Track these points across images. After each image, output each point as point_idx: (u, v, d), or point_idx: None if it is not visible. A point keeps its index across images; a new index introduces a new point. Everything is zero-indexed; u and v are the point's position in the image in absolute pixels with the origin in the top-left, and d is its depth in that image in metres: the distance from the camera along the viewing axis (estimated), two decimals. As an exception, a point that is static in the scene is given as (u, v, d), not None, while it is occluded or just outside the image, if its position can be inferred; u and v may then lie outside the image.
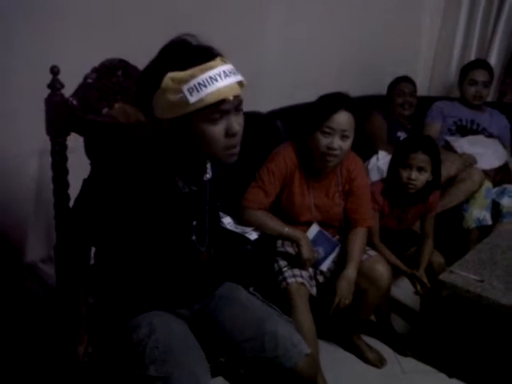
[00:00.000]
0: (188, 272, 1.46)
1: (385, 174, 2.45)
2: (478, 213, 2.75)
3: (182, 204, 1.38)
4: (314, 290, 2.03)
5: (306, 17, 2.90)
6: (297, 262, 2.02)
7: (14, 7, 1.89)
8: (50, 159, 1.72)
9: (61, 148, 1.71)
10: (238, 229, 1.93)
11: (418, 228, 2.45)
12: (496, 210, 2.83)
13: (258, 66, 2.74)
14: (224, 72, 1.19)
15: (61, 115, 1.68)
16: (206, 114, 1.20)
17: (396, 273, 2.28)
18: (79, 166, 1.61)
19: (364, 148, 2.72)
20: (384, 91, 3.27)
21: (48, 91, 1.66)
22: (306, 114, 2.07)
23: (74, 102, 1.69)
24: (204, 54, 1.20)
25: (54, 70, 1.65)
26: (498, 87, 3.72)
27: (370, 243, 2.21)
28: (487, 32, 3.65)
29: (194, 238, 1.43)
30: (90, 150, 1.72)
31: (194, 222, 1.43)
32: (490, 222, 2.77)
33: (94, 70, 1.73)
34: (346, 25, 3.11)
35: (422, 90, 3.52)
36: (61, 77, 1.66)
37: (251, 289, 1.63)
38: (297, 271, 2.01)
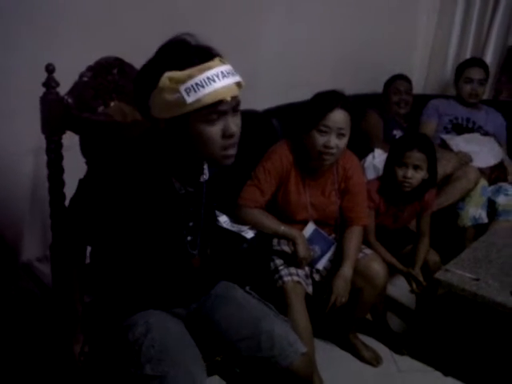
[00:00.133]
0: (181, 273, 1.46)
1: (381, 173, 2.45)
2: (474, 211, 2.76)
3: (178, 205, 1.37)
4: (310, 289, 2.03)
5: (303, 16, 2.90)
6: (293, 260, 2.03)
7: (13, 7, 1.88)
8: (45, 158, 1.72)
9: (56, 146, 1.71)
10: (234, 227, 1.92)
11: (414, 226, 2.45)
12: (492, 208, 2.84)
13: (254, 65, 2.73)
14: (222, 72, 1.18)
15: (56, 113, 1.67)
16: (203, 115, 1.19)
17: (392, 271, 2.28)
18: (75, 165, 1.61)
19: (360, 146, 2.72)
20: (380, 89, 3.26)
21: (43, 90, 1.65)
22: (302, 112, 2.07)
23: (70, 101, 1.68)
24: (203, 54, 1.20)
25: (49, 69, 1.64)
26: (493, 85, 3.71)
27: (365, 241, 2.21)
28: (483, 30, 3.65)
29: (189, 238, 1.43)
30: (85, 149, 1.72)
31: (191, 223, 1.43)
32: (485, 220, 2.78)
33: (90, 68, 1.72)
34: (341, 23, 3.11)
35: (417, 88, 3.52)
36: (57, 75, 1.65)
37: (247, 288, 1.63)
38: (293, 270, 2.01)
